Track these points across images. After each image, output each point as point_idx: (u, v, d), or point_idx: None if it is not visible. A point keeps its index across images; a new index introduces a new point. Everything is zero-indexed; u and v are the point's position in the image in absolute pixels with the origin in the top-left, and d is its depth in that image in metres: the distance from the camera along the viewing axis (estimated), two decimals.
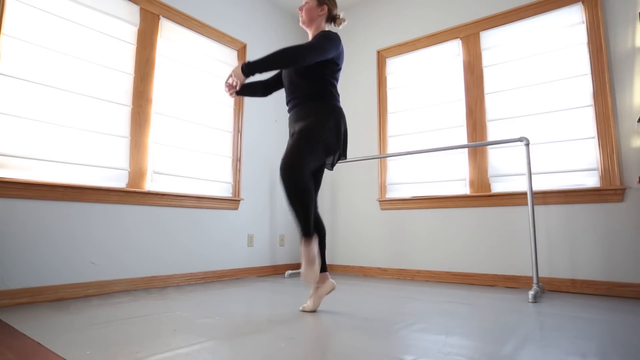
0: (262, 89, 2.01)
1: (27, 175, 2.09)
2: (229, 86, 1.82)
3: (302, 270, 1.64)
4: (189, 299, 2.16)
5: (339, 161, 1.87)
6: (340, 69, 1.85)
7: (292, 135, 1.84)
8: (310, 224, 1.65)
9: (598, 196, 2.45)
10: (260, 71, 1.66)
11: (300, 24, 1.92)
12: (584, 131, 2.57)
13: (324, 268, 1.85)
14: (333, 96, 1.81)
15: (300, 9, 1.90)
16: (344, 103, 3.82)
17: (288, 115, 1.89)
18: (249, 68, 1.65)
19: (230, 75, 1.76)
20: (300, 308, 1.86)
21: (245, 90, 1.95)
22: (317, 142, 1.69)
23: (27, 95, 2.13)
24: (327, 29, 1.92)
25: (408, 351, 1.23)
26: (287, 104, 1.89)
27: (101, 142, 2.42)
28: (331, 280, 1.86)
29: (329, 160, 1.84)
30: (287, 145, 1.74)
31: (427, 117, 3.29)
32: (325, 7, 1.88)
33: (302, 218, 1.64)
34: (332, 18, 1.93)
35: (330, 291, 1.86)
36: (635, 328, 1.54)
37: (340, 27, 1.96)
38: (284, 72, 1.91)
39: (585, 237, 2.48)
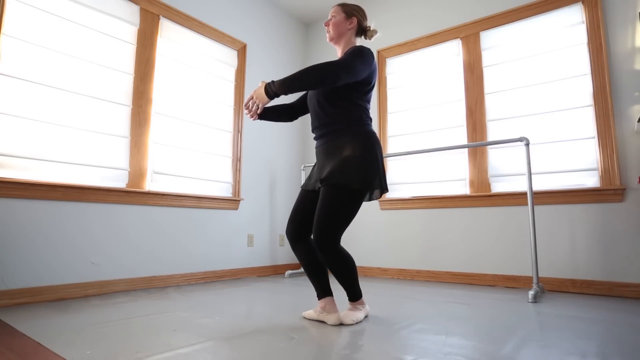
0: (288, 113, 1.80)
1: (27, 175, 2.09)
2: (249, 110, 1.59)
3: (357, 317, 1.60)
4: (188, 299, 2.16)
5: (380, 197, 1.69)
6: (372, 87, 1.64)
7: (320, 169, 1.62)
8: (358, 285, 1.64)
9: (598, 196, 2.45)
10: (286, 92, 1.46)
11: (328, 40, 1.72)
12: (584, 131, 2.57)
13: (329, 291, 1.65)
14: (365, 123, 1.60)
15: (327, 24, 1.70)
16: None
17: (315, 143, 1.68)
18: (272, 89, 1.47)
19: (251, 98, 1.56)
20: (305, 315, 1.70)
21: (268, 115, 1.75)
22: (355, 199, 1.52)
23: (27, 95, 2.13)
24: (357, 43, 1.73)
25: (408, 351, 1.23)
26: (313, 131, 1.69)
27: (101, 142, 2.42)
28: (338, 314, 1.59)
29: (365, 199, 1.67)
30: (321, 199, 1.53)
31: (427, 117, 3.29)
32: (355, 20, 1.69)
33: (350, 284, 1.61)
34: (363, 30, 1.72)
35: (332, 324, 1.58)
36: (635, 328, 1.54)
37: (372, 39, 1.78)
38: (309, 97, 1.71)
39: (585, 237, 2.48)
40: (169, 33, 2.87)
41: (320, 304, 1.63)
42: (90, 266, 2.28)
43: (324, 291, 1.63)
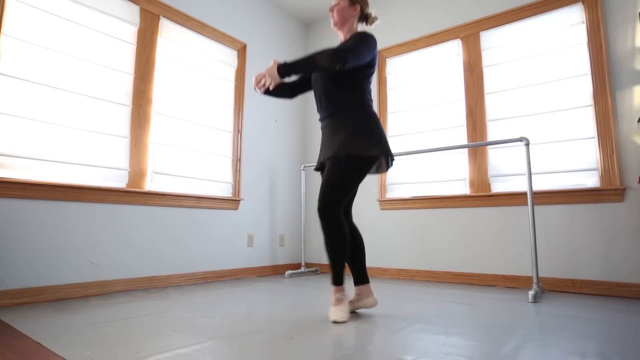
0: (289, 91, 1.93)
1: (27, 175, 2.09)
2: (259, 84, 1.72)
3: (334, 311, 1.63)
4: (189, 299, 2.16)
5: (390, 166, 1.79)
6: (374, 71, 1.77)
7: (325, 149, 1.74)
8: (342, 272, 1.67)
9: (598, 196, 2.45)
10: (297, 73, 1.64)
11: (332, 25, 1.82)
12: (584, 131, 2.57)
13: (365, 279, 1.78)
14: (367, 105, 1.73)
15: (331, 9, 1.80)
16: None
17: (321, 125, 1.82)
18: (285, 70, 1.61)
19: (264, 75, 1.68)
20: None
21: (272, 91, 1.87)
22: (354, 168, 1.63)
23: (27, 95, 2.13)
24: (359, 29, 1.83)
25: (408, 351, 1.23)
26: (318, 111, 1.81)
27: (101, 142, 2.42)
28: (374, 297, 1.78)
29: (372, 171, 1.79)
30: (325, 173, 1.67)
31: (427, 117, 3.29)
32: (358, 7, 1.79)
33: (336, 263, 1.64)
34: (365, 17, 1.83)
35: (370, 307, 1.78)
36: (635, 328, 1.54)
37: (373, 26, 1.87)
38: (315, 80, 1.82)
39: (585, 237, 2.48)
40: (169, 33, 2.87)
41: (356, 290, 1.77)
42: (91, 266, 2.28)
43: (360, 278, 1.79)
